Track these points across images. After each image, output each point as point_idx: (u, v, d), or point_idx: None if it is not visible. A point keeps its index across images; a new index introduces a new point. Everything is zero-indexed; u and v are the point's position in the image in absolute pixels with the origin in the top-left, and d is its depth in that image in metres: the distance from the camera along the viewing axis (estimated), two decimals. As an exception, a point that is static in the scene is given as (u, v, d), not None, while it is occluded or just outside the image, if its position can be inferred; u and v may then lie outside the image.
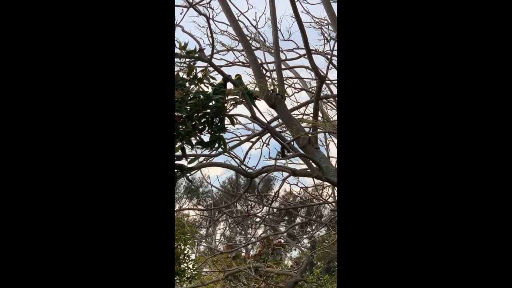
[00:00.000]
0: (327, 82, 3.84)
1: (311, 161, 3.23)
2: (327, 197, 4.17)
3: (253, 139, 4.11)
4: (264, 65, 3.99)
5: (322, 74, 3.09)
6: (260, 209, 4.13)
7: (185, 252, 4.36)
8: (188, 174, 3.30)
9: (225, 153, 3.74)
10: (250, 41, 4.01)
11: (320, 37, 5.35)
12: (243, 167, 3.37)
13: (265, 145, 4.24)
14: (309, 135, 3.17)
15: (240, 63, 4.20)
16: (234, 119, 2.11)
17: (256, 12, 4.65)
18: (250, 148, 4.24)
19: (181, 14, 3.82)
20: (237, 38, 3.96)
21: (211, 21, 4.08)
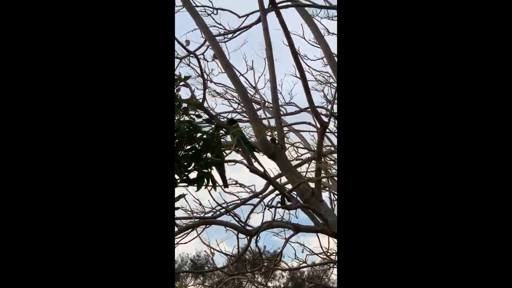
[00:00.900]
0: (329, 132, 3.68)
1: (314, 214, 3.01)
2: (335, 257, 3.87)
3: (255, 202, 3.94)
4: (264, 121, 3.86)
5: (324, 120, 2.94)
6: (259, 267, 3.82)
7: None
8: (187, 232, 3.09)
9: (227, 214, 3.59)
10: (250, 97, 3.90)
11: (322, 100, 5.31)
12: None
13: (267, 208, 4.06)
14: (312, 187, 2.97)
15: (241, 117, 4.10)
16: (224, 153, 1.90)
17: (253, 62, 4.60)
18: (252, 211, 4.06)
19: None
20: (234, 92, 3.86)
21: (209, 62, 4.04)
